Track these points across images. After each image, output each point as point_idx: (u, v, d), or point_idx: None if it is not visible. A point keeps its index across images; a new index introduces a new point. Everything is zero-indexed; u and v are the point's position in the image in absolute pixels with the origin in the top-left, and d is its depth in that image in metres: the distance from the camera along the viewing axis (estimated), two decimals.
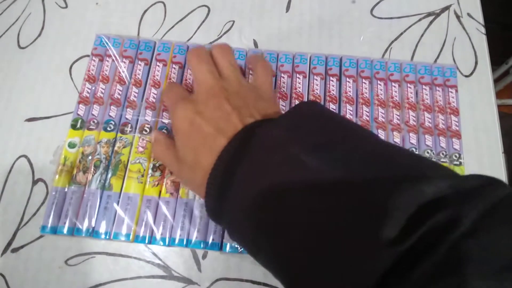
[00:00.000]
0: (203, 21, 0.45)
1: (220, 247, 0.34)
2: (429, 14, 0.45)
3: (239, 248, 0.34)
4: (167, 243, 0.34)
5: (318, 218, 0.21)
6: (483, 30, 0.45)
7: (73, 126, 0.38)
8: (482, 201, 0.19)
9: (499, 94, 1.26)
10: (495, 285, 0.16)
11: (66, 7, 0.45)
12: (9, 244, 0.36)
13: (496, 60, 1.09)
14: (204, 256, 0.36)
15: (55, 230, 0.35)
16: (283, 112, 0.31)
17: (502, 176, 0.39)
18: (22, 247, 0.36)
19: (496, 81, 1.19)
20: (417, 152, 0.37)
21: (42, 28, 0.44)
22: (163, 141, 0.34)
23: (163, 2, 0.46)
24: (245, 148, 0.26)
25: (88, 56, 0.42)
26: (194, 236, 0.34)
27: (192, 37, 0.44)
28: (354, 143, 0.24)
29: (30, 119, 0.40)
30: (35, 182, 0.38)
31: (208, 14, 0.45)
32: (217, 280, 0.35)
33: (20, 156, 0.39)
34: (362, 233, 0.19)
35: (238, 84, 0.32)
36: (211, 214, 0.28)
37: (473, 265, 0.17)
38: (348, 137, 0.25)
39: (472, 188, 0.20)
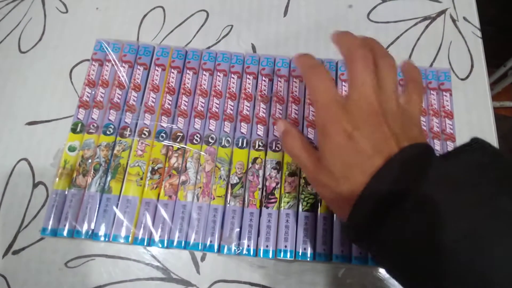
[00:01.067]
0: (202, 26, 0.45)
1: (218, 249, 0.35)
2: (425, 18, 0.46)
3: (236, 250, 0.35)
4: (165, 245, 0.35)
5: None
6: (479, 33, 0.45)
7: (73, 130, 0.38)
8: None
9: (497, 97, 1.26)
10: None
11: (67, 12, 0.46)
12: (10, 246, 0.36)
13: (494, 63, 1.09)
14: (202, 259, 0.36)
15: (55, 232, 0.35)
16: None
17: None
18: (23, 249, 0.36)
19: (494, 83, 1.19)
20: None
21: (43, 32, 0.45)
22: (299, 137, 0.32)
23: (162, 7, 0.46)
24: (408, 174, 0.25)
25: (88, 60, 0.43)
26: (192, 238, 0.35)
27: (191, 41, 0.44)
28: None
29: (30, 123, 0.40)
30: (35, 185, 0.38)
31: (206, 19, 0.46)
32: (215, 282, 0.35)
33: (20, 159, 0.39)
34: None
35: (396, 106, 0.29)
36: (354, 232, 0.27)
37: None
38: None
39: None
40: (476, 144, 0.26)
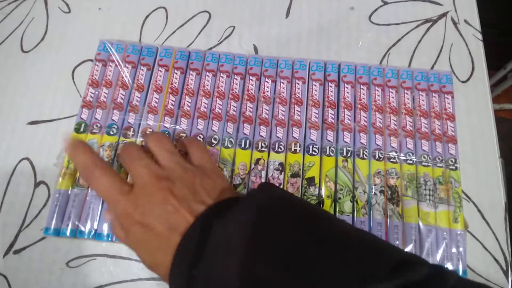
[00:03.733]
0: (204, 27, 0.45)
1: None
2: (426, 21, 0.46)
3: None
4: None
5: None
6: (480, 36, 0.45)
7: (77, 130, 0.38)
8: None
9: (497, 99, 1.26)
10: None
11: (69, 12, 0.46)
12: (11, 245, 0.36)
13: (494, 65, 1.09)
14: None
15: (58, 232, 0.35)
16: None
17: (499, 180, 0.39)
18: (24, 248, 0.36)
19: (494, 85, 1.19)
20: (413, 157, 0.38)
21: (45, 32, 0.45)
22: (113, 227, 0.31)
23: (164, 8, 0.46)
24: (200, 246, 0.26)
25: (90, 60, 0.43)
26: None
27: (193, 42, 0.44)
28: (308, 240, 0.25)
29: (32, 122, 0.41)
30: (37, 184, 0.38)
31: (209, 20, 0.46)
32: None
33: (22, 159, 0.39)
34: None
35: (180, 170, 0.30)
36: None
37: None
38: (303, 232, 0.26)
39: (414, 282, 0.21)
40: (257, 192, 0.29)
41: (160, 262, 0.27)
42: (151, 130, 0.38)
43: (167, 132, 0.38)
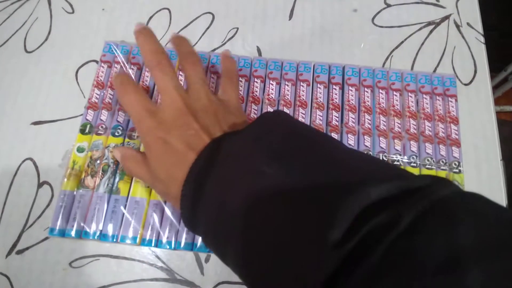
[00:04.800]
0: (208, 28, 0.45)
1: None
2: (429, 24, 0.46)
3: None
4: (173, 246, 0.35)
5: (275, 224, 0.23)
6: (482, 39, 0.45)
7: (82, 131, 0.38)
8: (421, 200, 0.19)
9: (498, 101, 1.27)
10: (430, 286, 0.16)
11: (73, 12, 0.46)
12: (14, 246, 0.36)
13: (495, 67, 1.10)
14: (207, 260, 0.36)
15: (63, 233, 0.35)
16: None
17: (500, 182, 0.39)
18: (27, 249, 0.36)
19: (495, 87, 1.20)
20: (417, 160, 0.38)
21: (49, 32, 0.45)
22: (132, 157, 0.34)
23: (168, 9, 0.46)
24: (213, 160, 0.27)
25: (94, 61, 0.43)
26: (199, 240, 0.35)
27: (196, 43, 0.44)
28: (313, 150, 0.26)
29: (36, 123, 0.41)
30: (40, 184, 0.38)
31: (212, 21, 0.46)
32: (219, 283, 0.35)
33: (25, 159, 0.39)
34: (311, 236, 0.20)
35: (207, 101, 0.32)
36: (187, 224, 0.29)
37: (408, 266, 0.17)
38: (308, 145, 0.26)
39: (416, 188, 0.20)
40: (265, 116, 0.29)
41: (175, 177, 0.29)
42: None
43: None
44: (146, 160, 0.32)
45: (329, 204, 0.20)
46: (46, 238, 0.36)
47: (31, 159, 0.39)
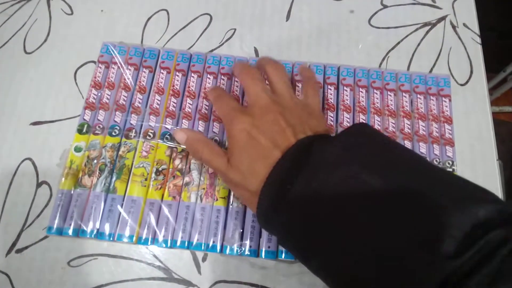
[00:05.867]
0: (205, 29, 0.46)
1: (221, 249, 0.35)
2: (425, 24, 0.46)
3: (238, 251, 0.35)
4: (169, 245, 0.35)
5: (379, 231, 0.24)
6: (478, 40, 0.46)
7: (79, 131, 0.39)
8: None
9: (497, 101, 1.26)
10: None
11: (72, 13, 0.46)
12: (14, 244, 0.36)
13: (493, 68, 1.09)
14: (204, 259, 0.36)
15: (60, 231, 0.36)
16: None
17: (497, 182, 0.39)
18: (26, 247, 0.36)
19: (493, 88, 1.19)
20: None
21: (48, 34, 0.45)
22: (203, 141, 0.35)
23: (166, 10, 0.47)
24: (300, 163, 0.28)
25: (93, 62, 0.43)
26: (196, 239, 0.35)
27: (194, 44, 0.45)
28: (409, 165, 0.27)
29: (35, 123, 0.41)
30: (39, 184, 0.38)
31: (210, 22, 0.46)
32: (216, 282, 0.36)
33: (25, 159, 0.39)
34: (421, 246, 0.22)
35: (292, 102, 0.33)
36: (263, 220, 0.29)
37: None
38: (400, 157, 0.28)
39: None
40: (354, 127, 0.30)
41: (257, 171, 0.30)
42: (152, 131, 0.38)
43: (168, 133, 0.38)
44: (221, 150, 0.34)
45: (441, 219, 0.22)
46: (45, 237, 0.37)
47: (30, 159, 0.39)
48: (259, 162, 0.30)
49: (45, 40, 0.45)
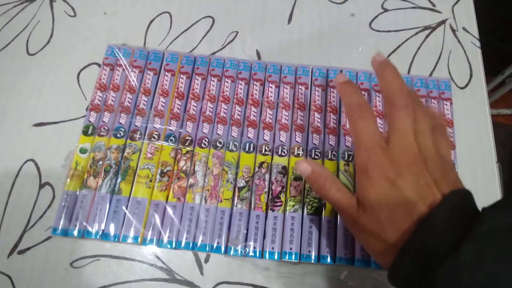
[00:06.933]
0: (208, 32, 0.46)
1: (225, 250, 0.35)
2: (425, 28, 0.47)
3: (242, 252, 0.35)
4: (173, 246, 0.35)
5: None
6: (478, 43, 0.46)
7: (85, 132, 0.39)
8: None
9: (495, 104, 1.27)
10: None
11: (75, 15, 0.47)
12: (16, 246, 0.36)
13: (492, 71, 1.10)
14: (206, 260, 0.36)
15: (65, 232, 0.36)
16: None
17: (496, 185, 0.40)
18: (28, 249, 0.36)
19: (492, 91, 1.20)
20: None
21: (51, 35, 0.45)
22: (331, 179, 0.32)
23: (169, 13, 0.47)
24: (457, 224, 0.25)
25: (95, 63, 0.43)
26: (200, 240, 0.35)
27: (196, 46, 0.45)
28: None
29: (38, 124, 0.41)
30: (42, 185, 0.39)
31: (212, 25, 0.46)
32: (219, 283, 0.36)
33: (27, 160, 0.39)
34: None
35: (435, 152, 0.30)
36: (397, 281, 0.27)
37: None
38: None
39: None
40: None
41: (399, 224, 0.27)
42: (157, 133, 0.39)
43: (172, 135, 0.39)
44: (348, 190, 0.31)
45: None
46: (47, 239, 0.37)
47: (32, 160, 0.39)
48: (402, 215, 0.27)
49: (48, 42, 0.45)
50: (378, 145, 0.29)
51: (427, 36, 0.46)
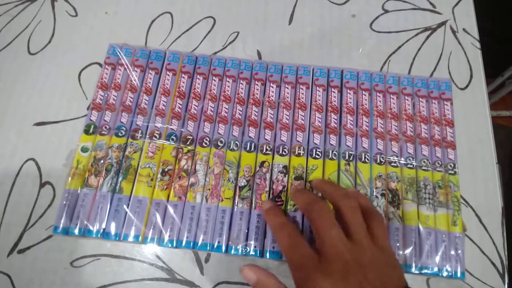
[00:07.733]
0: (209, 32, 0.46)
1: (226, 249, 0.35)
2: (426, 29, 0.47)
3: (243, 251, 0.35)
4: (174, 245, 0.35)
5: None
6: (478, 45, 0.46)
7: (86, 131, 0.39)
8: None
9: (494, 106, 1.27)
10: None
11: (76, 15, 0.47)
12: (16, 245, 0.37)
13: (492, 73, 1.10)
14: (206, 260, 0.37)
15: (66, 231, 0.36)
16: None
17: (496, 185, 0.40)
18: (28, 248, 0.36)
19: (492, 93, 1.20)
20: (413, 161, 0.39)
21: (52, 35, 0.45)
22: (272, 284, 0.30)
23: (170, 13, 0.47)
24: None
25: (97, 63, 0.43)
26: (201, 239, 0.35)
27: (197, 46, 0.45)
28: None
29: (38, 123, 0.41)
30: (42, 184, 0.39)
31: (213, 25, 0.46)
32: (219, 283, 0.36)
33: (28, 159, 0.39)
34: None
35: (371, 253, 0.29)
36: None
37: None
38: None
39: None
40: None
41: None
42: (158, 132, 0.39)
43: (174, 134, 0.39)
44: None
45: None
46: (48, 238, 0.37)
47: (33, 159, 0.39)
48: None
49: (49, 41, 0.45)
50: (309, 260, 0.28)
51: (428, 37, 0.47)
